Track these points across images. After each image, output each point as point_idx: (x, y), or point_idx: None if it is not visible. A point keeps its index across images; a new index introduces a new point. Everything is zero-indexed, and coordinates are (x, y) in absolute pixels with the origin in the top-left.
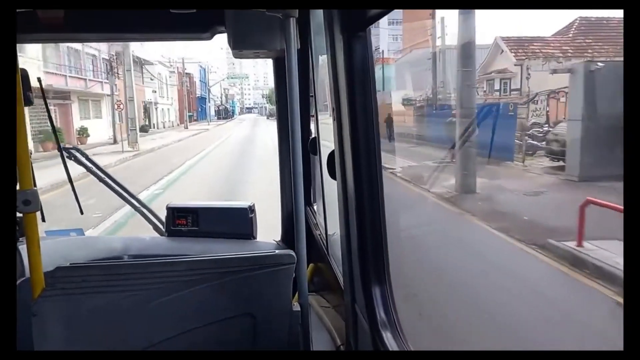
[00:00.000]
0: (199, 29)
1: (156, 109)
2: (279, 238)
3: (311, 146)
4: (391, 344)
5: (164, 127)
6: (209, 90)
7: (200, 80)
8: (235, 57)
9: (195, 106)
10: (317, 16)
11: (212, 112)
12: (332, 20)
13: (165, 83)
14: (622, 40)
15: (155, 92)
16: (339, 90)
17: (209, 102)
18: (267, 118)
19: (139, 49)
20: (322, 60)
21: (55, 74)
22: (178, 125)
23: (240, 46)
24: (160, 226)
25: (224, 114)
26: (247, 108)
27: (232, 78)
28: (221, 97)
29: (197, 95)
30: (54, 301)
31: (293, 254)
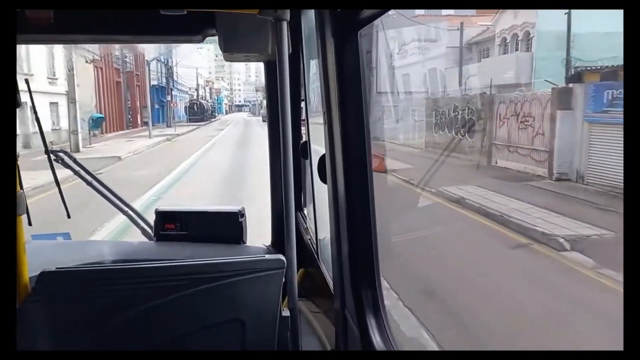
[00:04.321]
0: (190, 31)
1: None
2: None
3: (302, 150)
4: (381, 349)
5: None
6: (172, 77)
7: (158, 61)
8: (226, 60)
9: (151, 100)
10: (309, 20)
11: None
12: (323, 23)
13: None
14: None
15: None
16: (329, 93)
17: (168, 94)
18: (263, 120)
19: None
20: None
21: None
22: (99, 134)
23: (232, 49)
24: (149, 230)
25: (200, 113)
26: (236, 105)
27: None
28: (197, 90)
29: (154, 84)
30: (38, 306)
31: (283, 258)
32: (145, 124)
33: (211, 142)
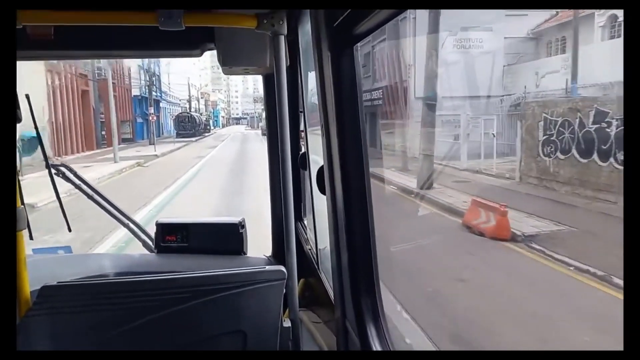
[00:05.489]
0: (189, 46)
1: None
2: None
3: (301, 161)
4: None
5: None
6: (157, 86)
7: (140, 67)
8: (225, 74)
9: (130, 115)
10: (306, 34)
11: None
12: (320, 37)
13: None
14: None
15: None
16: (327, 105)
17: (151, 106)
18: (263, 134)
19: None
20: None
21: None
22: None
23: (230, 63)
24: (150, 242)
25: (190, 127)
26: (234, 118)
27: None
28: (189, 101)
29: (136, 95)
30: (40, 320)
31: (283, 269)
32: (125, 141)
33: (196, 167)
